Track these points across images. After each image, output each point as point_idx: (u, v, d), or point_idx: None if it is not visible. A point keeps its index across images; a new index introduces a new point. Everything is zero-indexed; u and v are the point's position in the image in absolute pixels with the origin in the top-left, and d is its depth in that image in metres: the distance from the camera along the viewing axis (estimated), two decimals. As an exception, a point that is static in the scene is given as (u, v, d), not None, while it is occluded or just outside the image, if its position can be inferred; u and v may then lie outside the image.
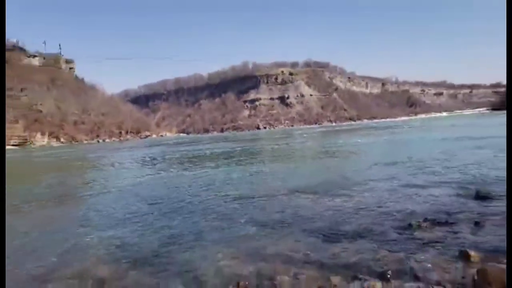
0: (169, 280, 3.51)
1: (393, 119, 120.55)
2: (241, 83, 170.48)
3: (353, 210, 5.72)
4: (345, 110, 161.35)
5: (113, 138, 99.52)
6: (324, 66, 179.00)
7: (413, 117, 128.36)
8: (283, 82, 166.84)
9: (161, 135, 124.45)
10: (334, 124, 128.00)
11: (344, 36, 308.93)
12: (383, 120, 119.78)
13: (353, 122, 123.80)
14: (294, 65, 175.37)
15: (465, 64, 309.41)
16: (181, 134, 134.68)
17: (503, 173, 7.59)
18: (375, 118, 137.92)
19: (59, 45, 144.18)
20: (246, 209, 6.43)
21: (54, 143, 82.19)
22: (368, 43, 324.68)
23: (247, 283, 3.23)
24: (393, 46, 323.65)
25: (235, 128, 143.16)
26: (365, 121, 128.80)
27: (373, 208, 5.78)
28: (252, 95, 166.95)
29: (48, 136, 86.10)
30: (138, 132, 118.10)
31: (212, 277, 3.44)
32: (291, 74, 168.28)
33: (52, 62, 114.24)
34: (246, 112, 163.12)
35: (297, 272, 3.35)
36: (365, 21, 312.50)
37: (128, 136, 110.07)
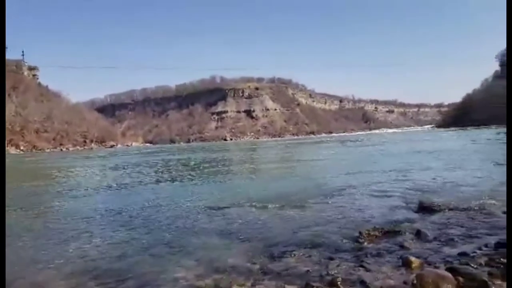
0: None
1: (349, 134, 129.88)
2: (209, 95, 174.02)
3: (310, 221, 6.05)
4: (306, 124, 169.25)
5: (77, 147, 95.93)
6: (287, 82, 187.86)
7: (368, 132, 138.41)
8: (249, 96, 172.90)
9: (127, 145, 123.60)
10: (296, 137, 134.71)
11: (306, 56, 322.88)
12: (341, 134, 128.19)
13: (313, 136, 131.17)
14: (259, 80, 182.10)
15: (414, 85, 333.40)
16: (147, 144, 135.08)
17: (445, 185, 8.77)
18: (332, 132, 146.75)
19: (22, 52, 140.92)
20: (207, 221, 6.59)
21: (13, 151, 77.95)
22: (328, 63, 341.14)
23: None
24: (350, 67, 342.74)
25: (202, 139, 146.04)
26: (324, 134, 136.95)
27: (329, 218, 6.17)
28: (219, 107, 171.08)
29: (7, 144, 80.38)
30: (103, 141, 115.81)
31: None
32: (257, 88, 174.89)
33: (14, 68, 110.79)
34: (213, 124, 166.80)
35: (253, 283, 3.46)
36: (326, 43, 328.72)
37: (93, 145, 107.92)
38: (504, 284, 2.96)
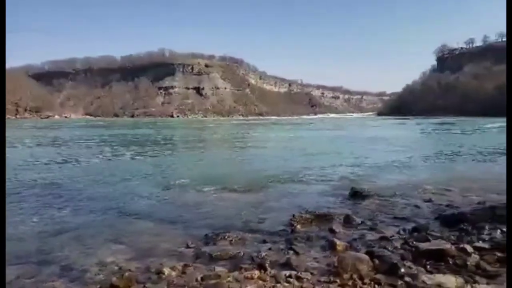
0: (49, 276, 3.40)
1: (297, 117, 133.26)
2: (156, 69, 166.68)
3: (249, 204, 6.17)
4: (256, 105, 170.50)
5: (8, 116, 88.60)
6: (238, 62, 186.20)
7: (314, 116, 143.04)
8: (199, 73, 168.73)
9: (65, 116, 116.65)
10: (245, 117, 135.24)
11: (258, 37, 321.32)
12: (289, 117, 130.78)
13: (261, 117, 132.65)
14: (210, 57, 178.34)
15: (358, 73, 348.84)
16: (88, 117, 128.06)
17: (380, 171, 9.13)
18: (281, 115, 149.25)
19: None
20: (144, 203, 6.51)
21: None
22: (279, 47, 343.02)
23: (132, 275, 3.26)
24: (300, 52, 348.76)
25: (148, 114, 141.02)
26: (272, 117, 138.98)
27: (267, 202, 6.37)
28: (167, 82, 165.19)
29: None
30: (38, 111, 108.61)
31: (97, 273, 3.41)
32: (207, 66, 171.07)
33: None
34: (160, 99, 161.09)
35: (184, 266, 3.47)
36: (278, 26, 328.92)
37: (27, 115, 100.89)
38: (413, 265, 3.28)
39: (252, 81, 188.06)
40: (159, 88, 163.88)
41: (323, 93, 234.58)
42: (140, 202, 6.54)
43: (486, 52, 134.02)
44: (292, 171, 9.82)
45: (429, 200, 6.42)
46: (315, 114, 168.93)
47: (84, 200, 6.65)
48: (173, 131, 37.01)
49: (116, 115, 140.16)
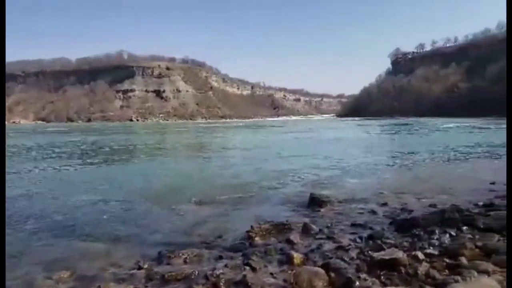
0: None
1: (260, 119, 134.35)
2: (114, 72, 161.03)
3: (206, 217, 6.01)
4: (218, 108, 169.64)
5: None
6: (200, 65, 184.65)
7: (276, 118, 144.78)
8: (160, 76, 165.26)
9: (14, 122, 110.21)
10: (208, 120, 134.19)
11: (221, 40, 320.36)
12: (252, 120, 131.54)
13: (224, 120, 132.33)
14: (171, 60, 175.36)
15: (318, 76, 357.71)
16: (40, 122, 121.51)
17: (339, 176, 9.06)
18: (244, 117, 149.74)
19: None
20: (93, 217, 6.15)
21: None
22: (241, 50, 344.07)
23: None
24: (262, 55, 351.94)
25: (105, 119, 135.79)
26: (236, 119, 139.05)
27: (225, 214, 6.24)
28: (126, 85, 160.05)
29: None
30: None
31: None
32: (168, 68, 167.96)
33: None
34: (118, 103, 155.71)
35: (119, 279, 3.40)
36: (240, 29, 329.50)
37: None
38: (368, 277, 3.29)
39: (215, 84, 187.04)
40: (118, 92, 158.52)
41: (285, 96, 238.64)
42: (87, 219, 6.10)
43: (434, 56, 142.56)
44: (253, 178, 9.75)
45: (385, 204, 6.60)
46: (278, 116, 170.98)
47: (17, 217, 6.12)
48: (131, 136, 35.92)
49: (71, 120, 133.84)
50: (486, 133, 28.28)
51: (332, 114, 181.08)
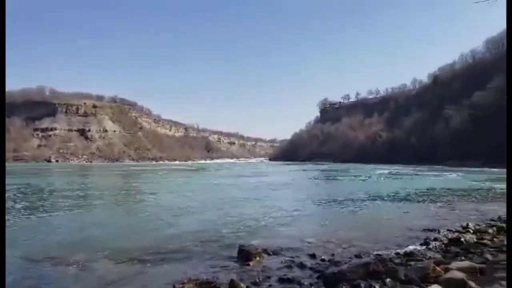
0: None
1: (193, 162, 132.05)
2: (33, 108, 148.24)
3: (125, 277, 5.51)
4: (148, 149, 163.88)
5: None
6: (131, 104, 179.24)
7: (210, 161, 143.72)
8: (86, 114, 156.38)
9: None
10: (137, 162, 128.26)
11: (153, 80, 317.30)
12: (184, 162, 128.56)
13: (155, 162, 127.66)
14: (99, 98, 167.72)
15: (253, 120, 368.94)
16: None
17: (270, 224, 8.81)
18: (176, 159, 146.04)
19: None
20: None
21: None
22: (175, 91, 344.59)
23: None
24: (197, 97, 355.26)
25: (18, 159, 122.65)
26: (167, 161, 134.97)
27: (141, 272, 5.74)
28: (46, 123, 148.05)
29: None
30: None
31: None
32: (95, 107, 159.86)
33: None
34: (36, 142, 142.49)
35: None
36: (173, 69, 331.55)
37: None
38: None
39: (146, 125, 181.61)
40: (35, 130, 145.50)
41: (219, 138, 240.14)
42: None
43: (358, 106, 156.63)
44: (179, 228, 9.26)
45: (313, 256, 6.56)
46: (212, 159, 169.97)
47: None
48: (45, 180, 32.49)
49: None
50: (409, 180, 30.89)
51: (265, 158, 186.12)
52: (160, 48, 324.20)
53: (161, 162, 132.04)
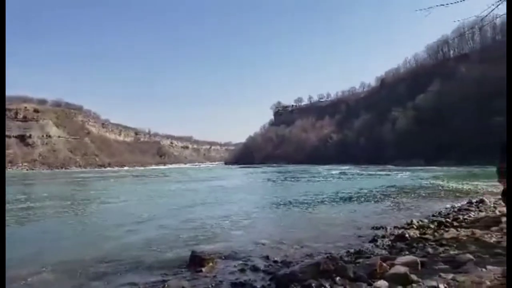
0: None
1: (145, 167, 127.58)
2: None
3: None
4: (96, 155, 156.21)
5: None
6: (77, 108, 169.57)
7: (163, 167, 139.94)
8: (26, 119, 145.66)
9: None
10: (84, 169, 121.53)
11: (101, 82, 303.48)
12: (135, 168, 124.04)
13: (104, 169, 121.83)
14: (41, 102, 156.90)
15: (207, 124, 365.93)
16: None
17: (224, 228, 8.56)
18: (126, 165, 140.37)
19: None
20: None
21: None
22: (124, 94, 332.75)
23: None
24: (148, 100, 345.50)
25: None
26: (116, 168, 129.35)
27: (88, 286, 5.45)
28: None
29: None
30: None
31: None
32: (36, 111, 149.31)
33: None
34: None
35: None
36: (121, 72, 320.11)
37: None
38: None
39: (93, 129, 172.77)
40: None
41: (172, 143, 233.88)
42: None
43: (310, 109, 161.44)
44: (130, 238, 8.84)
45: (266, 257, 6.57)
46: (164, 164, 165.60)
47: None
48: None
49: None
50: (359, 179, 32.18)
51: (220, 162, 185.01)
52: (106, 49, 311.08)
53: (110, 168, 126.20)
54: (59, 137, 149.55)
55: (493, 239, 6.26)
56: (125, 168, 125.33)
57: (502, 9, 5.10)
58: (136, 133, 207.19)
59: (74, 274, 5.93)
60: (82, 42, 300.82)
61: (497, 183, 5.25)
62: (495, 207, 10.23)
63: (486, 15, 5.24)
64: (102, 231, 10.01)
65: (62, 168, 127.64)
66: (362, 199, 16.31)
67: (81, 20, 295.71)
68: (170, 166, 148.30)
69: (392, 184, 24.01)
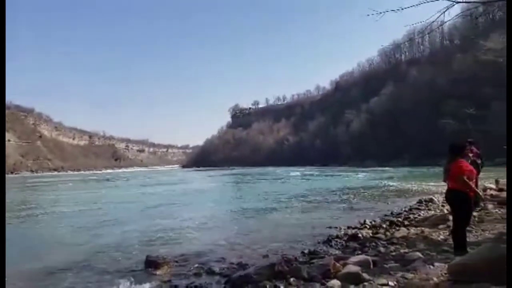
0: None
1: (99, 171, 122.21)
2: None
3: None
4: (49, 160, 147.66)
5: None
6: (27, 111, 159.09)
7: (118, 170, 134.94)
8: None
9: None
10: (35, 174, 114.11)
11: (53, 83, 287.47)
12: (89, 172, 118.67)
13: (57, 173, 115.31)
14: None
15: (163, 127, 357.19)
16: None
17: (180, 231, 8.38)
18: (81, 169, 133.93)
19: None
20: None
21: None
22: (78, 96, 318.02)
23: None
24: (102, 102, 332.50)
25: None
26: (70, 172, 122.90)
27: None
28: None
29: None
30: None
31: None
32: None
33: None
34: None
35: None
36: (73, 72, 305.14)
37: None
38: None
39: (46, 133, 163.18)
40: None
41: (127, 146, 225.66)
42: None
43: (267, 112, 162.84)
44: (85, 245, 8.44)
45: (222, 259, 6.55)
46: (120, 167, 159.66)
47: None
48: None
49: None
50: (315, 180, 32.86)
51: (177, 165, 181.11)
52: (60, 47, 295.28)
53: (63, 172, 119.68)
54: (9, 141, 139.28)
55: (441, 237, 6.61)
56: (80, 172, 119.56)
57: (449, 15, 5.44)
58: (91, 136, 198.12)
59: (27, 282, 5.59)
60: (31, 38, 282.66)
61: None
62: (443, 206, 10.65)
63: (433, 21, 5.52)
64: (57, 238, 9.49)
65: (12, 173, 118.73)
66: (318, 199, 16.64)
67: (30, 17, 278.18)
68: (125, 169, 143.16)
69: (347, 185, 24.71)
